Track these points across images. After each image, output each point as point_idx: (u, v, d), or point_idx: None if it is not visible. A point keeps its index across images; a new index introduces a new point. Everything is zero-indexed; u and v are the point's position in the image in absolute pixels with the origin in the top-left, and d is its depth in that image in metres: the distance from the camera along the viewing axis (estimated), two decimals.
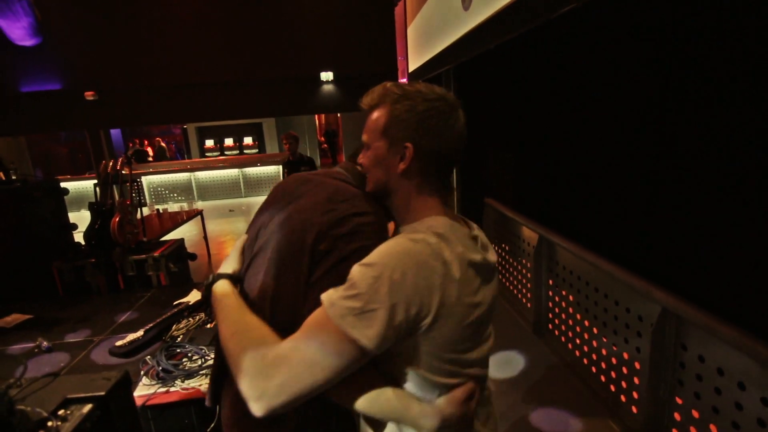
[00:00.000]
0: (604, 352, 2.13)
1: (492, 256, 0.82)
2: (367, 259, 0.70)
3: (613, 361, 2.05)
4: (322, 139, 14.55)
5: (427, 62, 4.41)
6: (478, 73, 3.84)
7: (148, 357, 1.56)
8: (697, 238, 1.69)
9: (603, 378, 2.15)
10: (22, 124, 8.88)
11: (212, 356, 1.56)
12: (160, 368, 1.47)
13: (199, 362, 1.53)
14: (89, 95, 8.38)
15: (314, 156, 11.82)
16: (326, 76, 7.93)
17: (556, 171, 2.81)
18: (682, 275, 1.69)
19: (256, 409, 0.63)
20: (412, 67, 5.62)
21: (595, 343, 2.21)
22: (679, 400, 1.66)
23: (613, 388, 2.06)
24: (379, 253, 0.70)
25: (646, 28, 1.84)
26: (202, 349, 1.59)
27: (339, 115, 11.71)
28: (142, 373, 1.48)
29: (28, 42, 8.45)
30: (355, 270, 0.69)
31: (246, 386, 0.64)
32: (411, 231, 0.75)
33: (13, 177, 3.05)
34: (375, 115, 0.79)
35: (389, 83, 0.81)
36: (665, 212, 1.86)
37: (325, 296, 0.69)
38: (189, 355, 1.57)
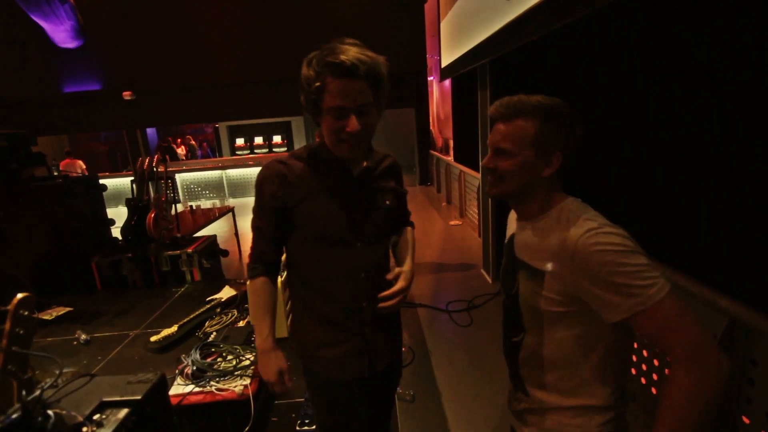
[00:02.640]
0: (656, 362, 1.98)
1: None
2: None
3: (666, 372, 1.91)
4: None
5: (462, 56, 4.29)
6: (516, 67, 3.69)
7: (183, 355, 1.53)
8: None
9: (654, 390, 2.00)
10: (64, 123, 9.27)
11: (246, 356, 1.52)
12: (195, 368, 1.44)
13: (234, 362, 1.50)
14: (127, 95, 8.64)
15: None
16: None
17: (599, 166, 2.66)
18: (753, 282, 1.54)
19: None
20: (444, 63, 5.50)
21: (645, 353, 2.06)
22: (746, 420, 1.51)
23: None
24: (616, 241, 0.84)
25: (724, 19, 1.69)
26: (236, 348, 1.56)
27: None
28: (176, 372, 1.46)
29: (71, 44, 8.79)
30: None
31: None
32: (563, 218, 0.90)
33: (54, 173, 3.13)
34: (519, 126, 0.92)
35: (524, 97, 0.93)
36: (732, 211, 1.71)
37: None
38: (223, 354, 1.54)
